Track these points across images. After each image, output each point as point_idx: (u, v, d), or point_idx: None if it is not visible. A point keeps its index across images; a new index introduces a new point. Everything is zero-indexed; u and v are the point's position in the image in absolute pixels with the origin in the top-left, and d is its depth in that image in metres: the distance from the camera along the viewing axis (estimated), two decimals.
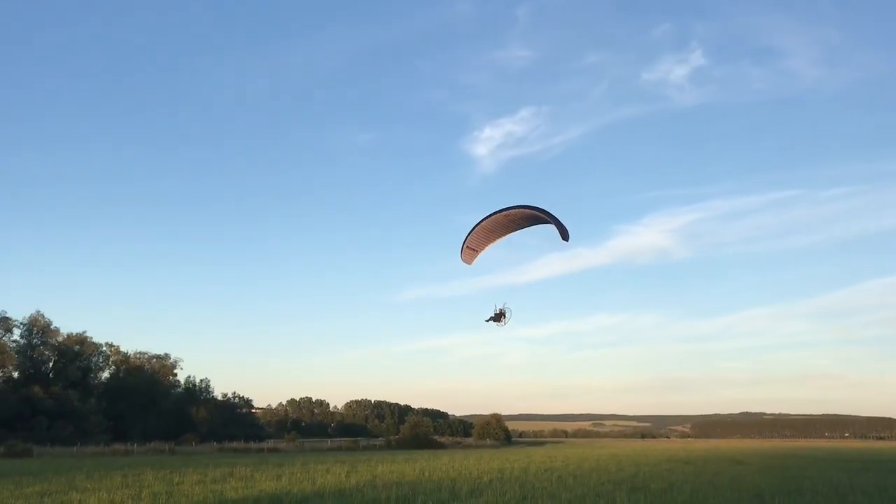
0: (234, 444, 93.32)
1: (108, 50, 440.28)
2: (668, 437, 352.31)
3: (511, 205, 25.97)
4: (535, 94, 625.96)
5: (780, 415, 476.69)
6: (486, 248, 28.19)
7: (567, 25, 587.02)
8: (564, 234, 25.19)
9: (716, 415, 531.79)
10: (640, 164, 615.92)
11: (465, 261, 28.39)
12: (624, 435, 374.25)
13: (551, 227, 25.60)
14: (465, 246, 27.84)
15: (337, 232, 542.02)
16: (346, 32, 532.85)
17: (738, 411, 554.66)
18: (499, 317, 27.57)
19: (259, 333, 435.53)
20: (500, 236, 27.72)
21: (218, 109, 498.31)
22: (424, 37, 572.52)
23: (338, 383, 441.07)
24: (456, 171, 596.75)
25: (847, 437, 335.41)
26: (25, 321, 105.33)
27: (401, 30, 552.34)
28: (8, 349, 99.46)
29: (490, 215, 26.52)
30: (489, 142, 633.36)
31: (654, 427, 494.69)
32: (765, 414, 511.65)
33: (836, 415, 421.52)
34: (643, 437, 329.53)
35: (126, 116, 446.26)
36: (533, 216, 26.04)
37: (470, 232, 27.37)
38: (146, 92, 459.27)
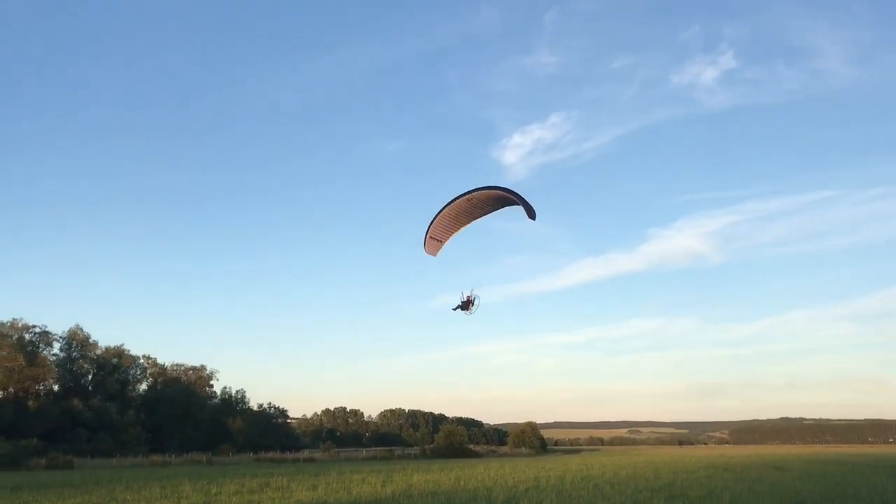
0: (271, 455, 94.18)
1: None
2: (705, 444, 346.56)
3: (474, 188, 24.14)
4: (565, 99, 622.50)
5: (820, 420, 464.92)
6: (452, 236, 26.00)
7: (594, 30, 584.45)
8: (531, 213, 23.55)
9: (754, 420, 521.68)
10: (672, 167, 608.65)
11: (429, 252, 25.98)
12: (661, 442, 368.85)
13: (518, 208, 23.92)
14: (427, 236, 25.48)
15: (367, 241, 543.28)
16: (373, 41, 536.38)
17: (777, 416, 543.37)
18: (467, 304, 25.68)
19: (294, 344, 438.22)
20: (464, 223, 25.58)
21: (247, 120, 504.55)
22: (451, 45, 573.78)
23: (372, 393, 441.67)
24: (485, 179, 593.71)
25: (892, 443, 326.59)
26: (65, 335, 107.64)
27: (428, 38, 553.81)
28: (48, 363, 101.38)
29: (452, 201, 24.44)
30: (519, 148, 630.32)
31: (691, 434, 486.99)
32: (805, 419, 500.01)
33: (879, 419, 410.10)
34: (681, 443, 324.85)
35: (169, 134, 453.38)
36: (498, 197, 24.26)
37: (432, 221, 25.12)
38: (188, 104, 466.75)
